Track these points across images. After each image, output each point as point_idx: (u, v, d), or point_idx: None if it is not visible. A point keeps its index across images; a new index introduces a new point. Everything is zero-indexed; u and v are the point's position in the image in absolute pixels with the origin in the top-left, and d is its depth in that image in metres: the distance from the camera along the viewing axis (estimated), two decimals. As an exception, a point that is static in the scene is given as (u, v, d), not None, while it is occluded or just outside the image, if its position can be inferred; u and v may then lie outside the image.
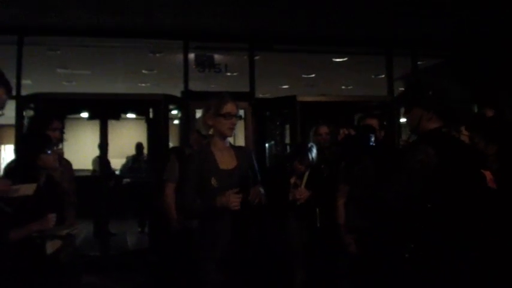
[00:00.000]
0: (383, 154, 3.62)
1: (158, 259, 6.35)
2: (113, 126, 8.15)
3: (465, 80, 8.12)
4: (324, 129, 4.93)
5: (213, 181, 3.06)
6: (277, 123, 8.52)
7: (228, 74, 9.02)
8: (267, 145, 8.14)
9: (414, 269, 2.66)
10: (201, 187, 3.09)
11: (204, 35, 7.86)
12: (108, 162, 8.90)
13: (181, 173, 4.25)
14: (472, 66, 8.24)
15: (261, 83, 8.26)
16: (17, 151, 3.64)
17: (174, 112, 8.45)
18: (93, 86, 10.17)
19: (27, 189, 2.87)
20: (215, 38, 7.98)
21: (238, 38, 8.05)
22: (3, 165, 11.71)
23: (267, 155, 8.10)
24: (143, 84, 11.34)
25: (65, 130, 4.45)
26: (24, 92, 7.18)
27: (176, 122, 9.46)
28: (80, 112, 8.20)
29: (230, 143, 3.31)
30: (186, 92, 7.71)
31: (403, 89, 7.61)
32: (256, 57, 8.18)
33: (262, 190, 3.11)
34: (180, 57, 7.98)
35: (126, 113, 8.70)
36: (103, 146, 7.79)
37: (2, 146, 17.38)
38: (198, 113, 7.05)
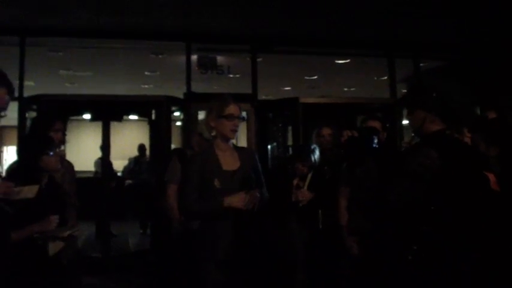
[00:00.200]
0: (385, 156, 3.61)
1: (159, 260, 6.35)
2: (115, 128, 8.15)
3: (468, 83, 8.12)
4: (326, 131, 4.92)
5: (216, 182, 3.06)
6: (280, 124, 8.51)
7: (231, 75, 9.01)
8: (269, 147, 8.13)
9: (417, 271, 2.65)
10: (203, 188, 3.09)
11: (206, 37, 7.88)
12: (110, 164, 8.90)
13: (183, 174, 4.25)
14: (474, 69, 8.23)
15: (263, 85, 8.26)
16: (19, 152, 3.64)
17: (177, 114, 8.45)
18: (96, 88, 10.17)
19: (29, 191, 2.86)
20: (218, 40, 7.99)
21: (240, 39, 8.06)
22: (5, 167, 11.70)
23: (269, 156, 8.09)
24: (145, 86, 11.35)
25: (67, 131, 4.45)
26: (26, 94, 7.18)
27: (178, 123, 9.46)
28: (82, 113, 8.21)
29: (233, 144, 3.30)
30: (189, 94, 7.71)
31: (405, 91, 7.64)
32: (259, 59, 8.18)
33: (258, 194, 3.10)
34: (182, 58, 7.99)
35: (128, 114, 8.73)
36: (105, 147, 7.80)
37: (5, 148, 17.39)
38: (201, 115, 7.05)
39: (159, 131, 7.35)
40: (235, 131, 3.16)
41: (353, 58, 9.20)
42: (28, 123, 6.81)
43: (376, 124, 3.95)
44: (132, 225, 9.89)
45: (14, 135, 8.20)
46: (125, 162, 11.35)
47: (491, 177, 3.04)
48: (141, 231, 9.64)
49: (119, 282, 6.40)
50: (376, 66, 9.26)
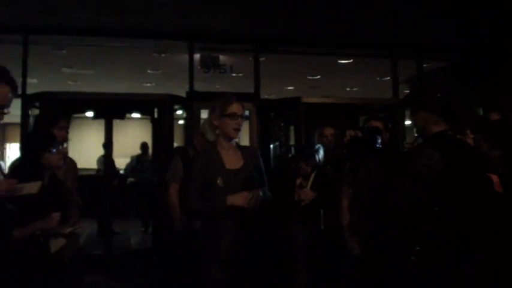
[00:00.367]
0: (388, 156, 3.61)
1: (161, 259, 6.35)
2: (118, 126, 8.15)
3: (470, 83, 8.12)
4: (329, 131, 4.91)
5: (219, 181, 3.06)
6: (282, 124, 8.51)
7: (233, 74, 9.03)
8: (271, 146, 8.12)
9: (420, 271, 2.65)
10: (206, 187, 3.09)
11: (209, 36, 7.88)
12: (112, 162, 8.91)
13: (186, 173, 4.24)
14: (477, 69, 8.22)
15: (265, 84, 8.26)
16: (21, 149, 3.65)
17: (179, 112, 8.46)
18: (98, 86, 10.20)
19: (32, 187, 2.87)
20: (220, 39, 8.00)
21: (243, 39, 8.06)
22: (8, 164, 11.74)
23: (271, 156, 8.09)
24: (148, 84, 11.37)
25: (70, 129, 4.45)
26: (29, 91, 7.20)
27: (181, 122, 9.47)
28: (85, 111, 8.23)
29: (236, 143, 3.31)
30: (191, 93, 7.72)
31: (408, 91, 7.64)
32: (261, 59, 8.18)
33: (261, 193, 3.10)
34: (185, 57, 8.00)
35: (131, 112, 8.73)
36: (107, 145, 7.80)
37: (8, 144, 17.46)
38: (203, 114, 7.05)
39: (161, 130, 7.34)
40: (238, 130, 3.16)
41: (355, 58, 9.20)
42: (31, 120, 6.81)
43: (378, 124, 3.94)
44: (134, 223, 9.91)
45: (17, 132, 8.22)
46: (127, 160, 11.36)
47: (495, 178, 3.04)
48: (143, 229, 9.64)
49: (120, 280, 6.41)
50: (378, 66, 9.27)
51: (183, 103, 7.69)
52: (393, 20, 7.13)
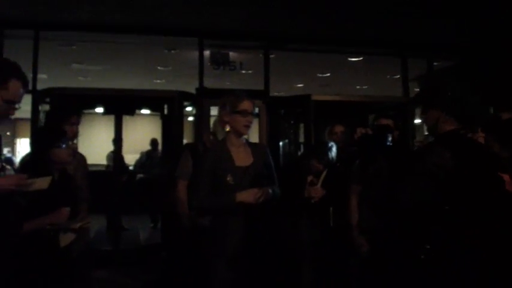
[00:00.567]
0: (397, 155, 3.59)
1: (169, 255, 6.36)
2: (128, 122, 8.20)
3: (481, 82, 8.05)
4: (339, 128, 4.91)
5: (229, 178, 3.06)
6: (292, 121, 8.50)
7: (243, 71, 9.02)
8: (280, 143, 8.11)
9: (429, 270, 2.63)
10: (216, 184, 3.09)
11: (219, 33, 7.88)
12: (122, 158, 8.94)
13: (195, 169, 4.25)
14: (487, 69, 8.17)
15: (275, 82, 8.26)
16: (31, 145, 3.66)
17: (189, 109, 8.47)
18: (108, 82, 10.21)
19: (43, 182, 2.88)
20: (230, 36, 8.00)
21: (253, 36, 8.05)
22: (18, 159, 11.82)
23: (280, 153, 8.08)
24: (158, 81, 11.38)
25: (80, 125, 4.45)
26: (40, 87, 7.23)
27: (191, 118, 9.47)
28: (95, 107, 8.24)
29: (246, 140, 3.30)
30: (201, 89, 7.72)
31: (418, 89, 7.59)
32: (271, 56, 8.17)
33: (270, 191, 3.10)
34: (195, 54, 8.00)
35: (140, 108, 8.74)
36: (117, 141, 7.83)
37: (18, 140, 17.55)
38: (213, 110, 7.05)
39: (171, 126, 7.34)
40: (248, 126, 3.17)
41: (366, 56, 9.17)
42: (41, 116, 6.84)
43: (388, 122, 3.93)
44: (143, 219, 9.92)
45: (27, 127, 8.25)
46: (137, 156, 11.38)
47: (507, 178, 3.01)
48: (152, 225, 9.66)
49: (128, 275, 6.42)
50: (388, 64, 9.23)
51: (193, 100, 7.68)
52: (403, 19, 7.10)
